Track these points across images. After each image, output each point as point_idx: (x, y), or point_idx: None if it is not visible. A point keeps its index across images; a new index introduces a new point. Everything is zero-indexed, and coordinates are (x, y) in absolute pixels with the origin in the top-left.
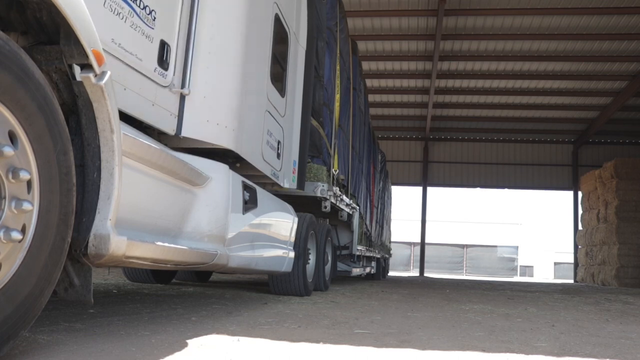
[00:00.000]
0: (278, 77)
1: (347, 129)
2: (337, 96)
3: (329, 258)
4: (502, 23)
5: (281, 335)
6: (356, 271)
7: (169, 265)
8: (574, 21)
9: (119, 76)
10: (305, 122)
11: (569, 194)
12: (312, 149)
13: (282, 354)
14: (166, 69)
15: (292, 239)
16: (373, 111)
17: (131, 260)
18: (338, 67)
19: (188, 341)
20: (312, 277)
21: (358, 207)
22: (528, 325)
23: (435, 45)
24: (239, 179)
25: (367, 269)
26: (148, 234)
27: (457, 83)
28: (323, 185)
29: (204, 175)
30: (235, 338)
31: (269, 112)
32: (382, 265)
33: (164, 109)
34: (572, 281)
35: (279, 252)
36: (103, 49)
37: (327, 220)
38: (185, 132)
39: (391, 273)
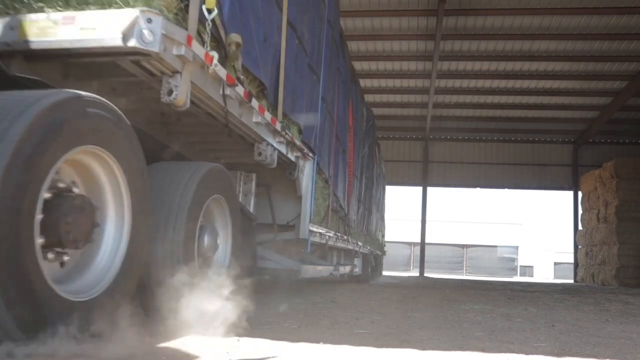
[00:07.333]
0: None
1: (300, 25)
2: None
3: (217, 242)
4: (502, 23)
5: (281, 335)
6: (312, 271)
7: None
8: (574, 21)
9: None
10: None
11: (569, 194)
12: None
13: (282, 354)
14: None
15: None
16: (373, 111)
17: None
18: None
19: (188, 341)
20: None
21: (314, 157)
22: (528, 325)
23: (435, 45)
24: None
25: (345, 268)
26: None
27: (457, 83)
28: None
29: None
30: (235, 338)
31: None
32: (372, 264)
33: None
34: (572, 281)
35: None
36: None
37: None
38: None
39: (391, 273)
